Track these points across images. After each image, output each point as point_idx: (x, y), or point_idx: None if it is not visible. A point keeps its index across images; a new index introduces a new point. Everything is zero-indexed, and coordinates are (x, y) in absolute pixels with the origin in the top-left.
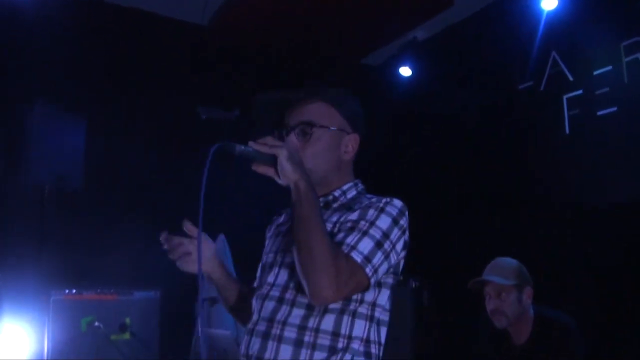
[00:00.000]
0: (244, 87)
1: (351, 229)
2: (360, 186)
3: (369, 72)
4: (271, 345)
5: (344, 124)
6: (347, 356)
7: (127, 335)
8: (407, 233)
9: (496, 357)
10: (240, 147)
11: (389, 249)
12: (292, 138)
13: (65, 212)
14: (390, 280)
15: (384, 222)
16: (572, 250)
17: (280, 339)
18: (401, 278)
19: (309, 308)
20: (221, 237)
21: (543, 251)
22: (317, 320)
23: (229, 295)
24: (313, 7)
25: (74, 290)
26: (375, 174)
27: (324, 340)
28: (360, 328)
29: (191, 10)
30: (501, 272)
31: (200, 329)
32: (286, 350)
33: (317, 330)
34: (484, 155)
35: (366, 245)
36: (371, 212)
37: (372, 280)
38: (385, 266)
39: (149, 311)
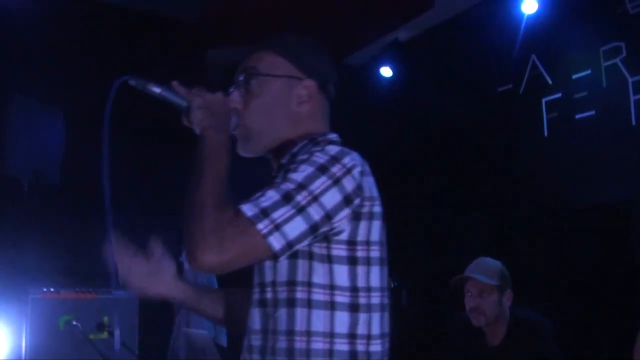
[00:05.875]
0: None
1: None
2: (323, 140)
3: (350, 72)
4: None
5: (293, 71)
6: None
7: (105, 335)
8: (349, 184)
9: (469, 357)
10: (152, 86)
11: (304, 202)
12: (233, 95)
13: (43, 208)
14: (341, 252)
15: (301, 172)
16: (551, 251)
17: (251, 350)
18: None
19: (262, 304)
20: None
21: (521, 252)
22: (272, 319)
23: (209, 312)
24: (294, 7)
25: (52, 289)
26: None
27: (282, 343)
28: (319, 320)
29: (185, 7)
30: (485, 271)
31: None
32: None
33: (274, 331)
34: (464, 157)
35: (267, 198)
36: (293, 167)
37: (275, 245)
38: (299, 227)
39: (128, 310)
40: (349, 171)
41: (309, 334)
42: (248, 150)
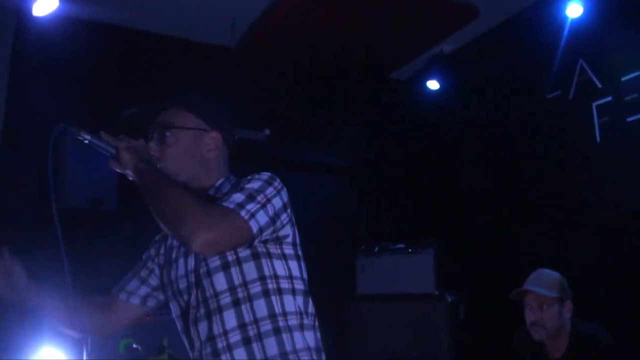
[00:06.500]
0: (274, 106)
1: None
2: (234, 178)
3: (397, 87)
4: (225, 358)
5: (201, 124)
6: (295, 333)
7: (165, 357)
8: (285, 196)
9: None
10: (84, 134)
11: (263, 201)
12: (150, 145)
13: (100, 235)
14: (290, 250)
15: (253, 184)
16: (608, 260)
17: (229, 348)
18: (437, 292)
19: (236, 304)
20: None
21: (578, 262)
22: (249, 312)
23: (57, 311)
24: (340, 25)
25: None
26: (407, 188)
27: (267, 326)
28: (290, 303)
29: (219, 33)
30: (544, 283)
31: None
32: (241, 354)
33: (255, 320)
34: (516, 168)
35: (237, 198)
36: (241, 185)
37: (254, 228)
38: (264, 217)
39: None
40: (282, 188)
41: (285, 314)
42: None
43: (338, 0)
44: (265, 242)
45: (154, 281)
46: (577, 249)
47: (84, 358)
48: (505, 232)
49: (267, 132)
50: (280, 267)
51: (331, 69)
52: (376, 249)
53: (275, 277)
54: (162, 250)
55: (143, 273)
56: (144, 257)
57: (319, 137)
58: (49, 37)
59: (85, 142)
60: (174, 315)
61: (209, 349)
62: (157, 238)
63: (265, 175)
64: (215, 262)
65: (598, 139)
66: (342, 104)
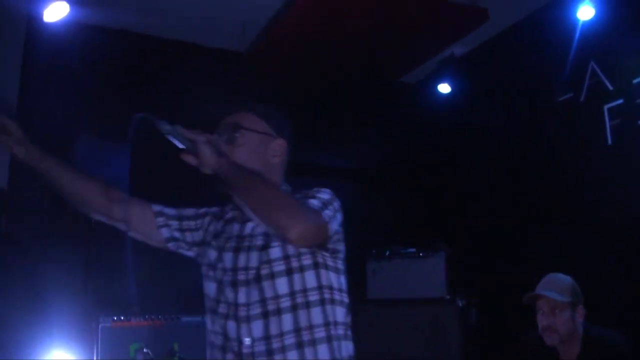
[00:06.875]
0: (285, 109)
1: None
2: (289, 188)
3: (408, 91)
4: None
5: (269, 130)
6: (342, 342)
7: None
8: (341, 217)
9: None
10: (164, 124)
11: (332, 213)
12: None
13: (112, 240)
14: (341, 265)
15: (323, 195)
16: (621, 264)
17: (284, 350)
18: (448, 297)
19: (294, 309)
20: None
21: (590, 266)
22: (306, 318)
23: (58, 180)
24: (350, 30)
25: (122, 317)
26: (418, 192)
27: (320, 333)
28: (340, 313)
29: (229, 38)
30: (556, 288)
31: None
32: (293, 356)
33: (311, 327)
34: (527, 171)
35: (314, 203)
36: (310, 194)
37: (330, 230)
38: (335, 225)
39: (197, 336)
40: (340, 208)
41: (336, 324)
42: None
43: (348, 4)
44: (324, 253)
45: (189, 235)
46: (590, 252)
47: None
48: (516, 235)
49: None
50: (334, 279)
51: (341, 72)
52: (387, 253)
53: (330, 288)
54: (217, 228)
55: (186, 221)
56: (199, 210)
57: (330, 141)
58: (59, 43)
59: (165, 131)
60: (207, 292)
61: (262, 348)
62: (212, 210)
63: (329, 191)
64: (280, 266)
65: (609, 142)
66: (352, 107)
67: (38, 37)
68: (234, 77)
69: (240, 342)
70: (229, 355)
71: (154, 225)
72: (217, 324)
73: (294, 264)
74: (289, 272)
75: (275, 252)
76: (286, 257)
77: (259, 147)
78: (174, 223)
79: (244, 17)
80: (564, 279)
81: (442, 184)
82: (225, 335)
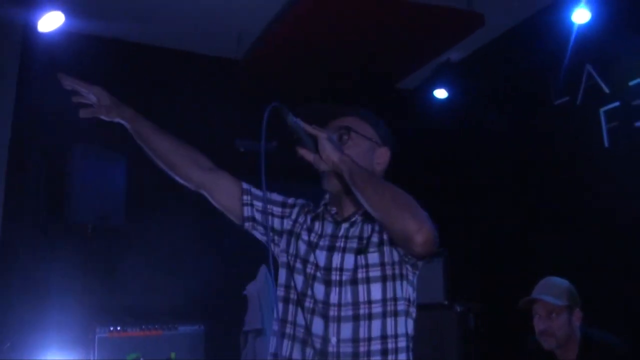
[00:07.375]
0: (279, 118)
1: None
2: None
3: (404, 96)
4: None
5: (377, 137)
6: (410, 354)
7: None
8: None
9: None
10: (292, 116)
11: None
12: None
13: (108, 249)
14: (416, 281)
15: None
16: (619, 266)
17: (369, 354)
18: (446, 302)
19: (384, 315)
20: (263, 269)
21: (588, 268)
22: (393, 326)
23: (154, 144)
24: (346, 35)
25: (119, 327)
26: (415, 197)
27: (402, 343)
28: (411, 326)
29: (225, 46)
30: (553, 291)
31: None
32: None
33: (396, 335)
34: (524, 174)
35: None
36: None
37: (436, 240)
38: None
39: (194, 345)
40: None
41: (410, 336)
42: (331, 187)
43: (344, 10)
44: (409, 266)
45: (274, 221)
46: (587, 255)
47: None
48: (514, 240)
49: (275, 143)
50: (411, 293)
51: (338, 79)
52: None
53: (409, 300)
54: (307, 223)
55: (272, 206)
56: (287, 199)
57: None
58: (55, 53)
59: (290, 123)
60: (286, 282)
61: (348, 349)
62: (301, 202)
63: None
64: (376, 272)
65: (606, 144)
66: None
67: (34, 47)
68: (230, 84)
69: (326, 340)
70: (309, 350)
71: (239, 201)
72: (300, 317)
73: (389, 271)
74: (384, 279)
75: (373, 257)
76: (382, 264)
77: (367, 153)
78: (259, 204)
79: (239, 27)
80: (560, 283)
81: (439, 189)
82: (308, 330)
